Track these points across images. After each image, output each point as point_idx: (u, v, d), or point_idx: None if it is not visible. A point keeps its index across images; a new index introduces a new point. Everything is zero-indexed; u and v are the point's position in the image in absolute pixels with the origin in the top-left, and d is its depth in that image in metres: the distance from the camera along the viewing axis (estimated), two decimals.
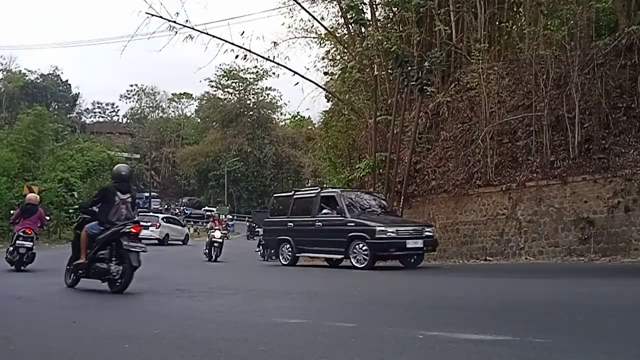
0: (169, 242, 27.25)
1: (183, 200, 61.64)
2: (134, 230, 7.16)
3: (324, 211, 12.63)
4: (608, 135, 12.55)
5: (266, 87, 61.97)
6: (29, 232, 10.19)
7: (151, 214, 32.06)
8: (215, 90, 64.01)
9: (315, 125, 39.59)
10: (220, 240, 17.04)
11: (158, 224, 27.26)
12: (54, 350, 3.93)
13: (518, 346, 3.68)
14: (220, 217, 23.57)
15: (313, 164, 45.18)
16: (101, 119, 75.12)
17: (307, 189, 16.23)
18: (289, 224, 13.44)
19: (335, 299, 7.03)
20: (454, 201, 14.72)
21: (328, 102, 22.91)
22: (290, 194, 14.48)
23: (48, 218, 13.99)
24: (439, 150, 15.82)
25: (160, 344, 4.03)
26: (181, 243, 28.60)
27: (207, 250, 17.12)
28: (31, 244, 10.27)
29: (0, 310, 6.12)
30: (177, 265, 15.36)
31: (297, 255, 13.26)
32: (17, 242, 10.39)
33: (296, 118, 63.56)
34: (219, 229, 17.28)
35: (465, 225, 14.33)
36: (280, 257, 13.66)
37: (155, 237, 26.33)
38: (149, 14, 17.48)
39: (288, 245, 13.34)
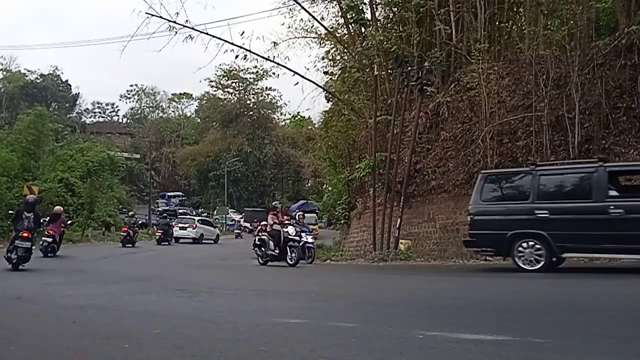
0: (203, 241, 29.88)
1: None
2: (24, 235, 10.92)
3: (611, 193, 9.17)
4: (608, 135, 12.56)
5: (266, 87, 61.97)
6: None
7: (188, 216, 34.93)
8: (215, 90, 64.01)
9: (315, 125, 39.73)
10: (297, 237, 13.59)
11: (194, 225, 30.24)
12: (54, 350, 3.93)
13: (518, 346, 3.68)
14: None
15: (313, 164, 45.22)
16: (101, 119, 75.15)
17: (566, 162, 11.57)
18: (540, 212, 9.53)
19: (335, 299, 7.03)
20: (454, 201, 14.71)
21: (328, 102, 22.95)
22: (528, 169, 10.32)
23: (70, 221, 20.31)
24: (439, 150, 15.82)
25: (160, 344, 4.03)
26: (212, 242, 30.99)
27: (271, 251, 13.78)
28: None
29: (0, 310, 6.12)
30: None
31: (562, 255, 9.57)
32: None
33: (296, 118, 63.58)
34: (291, 224, 13.91)
35: (466, 226, 14.30)
36: (517, 259, 9.60)
37: (192, 236, 29.41)
38: (149, 14, 17.45)
39: (536, 243, 9.51)
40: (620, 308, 5.34)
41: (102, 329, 4.73)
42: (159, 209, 51.61)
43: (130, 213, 27.97)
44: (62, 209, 18.76)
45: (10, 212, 15.19)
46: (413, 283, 9.38)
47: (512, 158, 13.93)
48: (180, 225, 29.97)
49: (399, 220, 15.05)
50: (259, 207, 56.11)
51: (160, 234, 27.02)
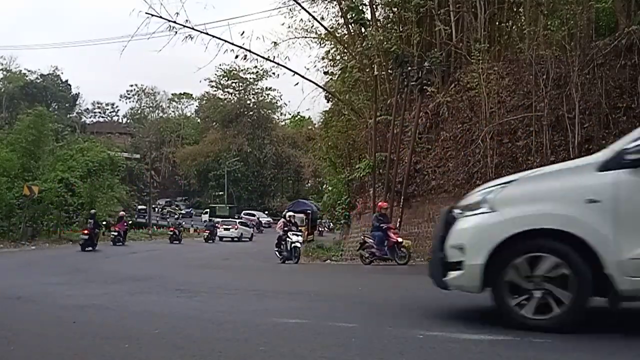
0: (242, 239, 35.87)
1: (158, 202, 62.34)
2: (84, 232, 20.26)
3: None
4: (608, 135, 12.55)
5: (266, 87, 62.07)
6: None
7: (230, 219, 41.24)
8: (215, 90, 64.12)
9: (315, 125, 39.71)
10: None
11: (236, 227, 36.60)
12: (54, 350, 3.93)
13: (518, 346, 3.68)
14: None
15: (313, 164, 45.21)
16: (101, 119, 75.18)
17: None
18: None
19: (335, 299, 7.03)
20: (454, 201, 14.52)
21: (328, 102, 22.97)
22: None
23: (129, 221, 31.17)
24: (439, 150, 15.82)
25: (160, 344, 4.03)
26: (248, 240, 36.74)
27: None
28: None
29: (0, 310, 6.12)
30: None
31: None
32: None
33: (296, 118, 63.57)
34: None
35: None
36: None
37: (233, 236, 35.57)
38: (149, 14, 17.51)
39: None
40: (620, 308, 5.33)
41: (102, 329, 4.73)
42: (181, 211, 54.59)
43: (176, 216, 40.39)
44: (124, 213, 28.11)
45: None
46: (413, 283, 9.37)
47: (512, 158, 13.93)
48: (224, 226, 36.24)
49: (398, 220, 15.05)
50: (259, 206, 56.31)
51: (207, 234, 33.54)
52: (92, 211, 23.28)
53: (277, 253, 15.64)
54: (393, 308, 5.96)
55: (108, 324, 4.99)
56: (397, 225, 15.00)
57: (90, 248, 20.09)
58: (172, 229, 31.02)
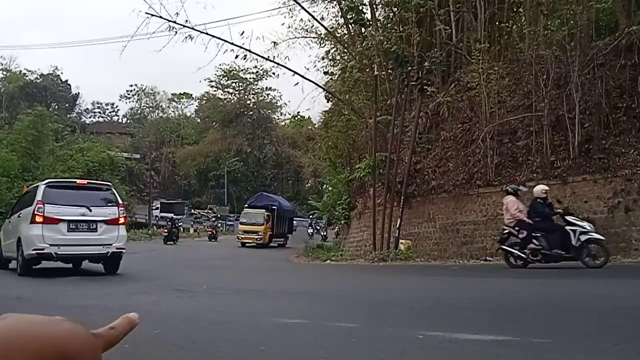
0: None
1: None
2: (165, 230, 27.67)
3: None
4: (608, 135, 12.55)
5: (266, 87, 62.00)
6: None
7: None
8: (215, 90, 64.05)
9: (315, 125, 39.70)
10: None
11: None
12: None
13: (518, 346, 3.68)
14: None
15: (313, 164, 45.18)
16: (101, 119, 75.10)
17: None
18: None
19: (335, 299, 7.03)
20: (454, 201, 14.72)
21: (328, 102, 22.95)
22: None
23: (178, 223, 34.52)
24: (439, 150, 15.82)
25: (160, 344, 4.03)
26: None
27: None
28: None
29: (0, 310, 6.11)
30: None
31: None
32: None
33: (296, 118, 63.57)
34: None
35: (466, 226, 14.32)
36: None
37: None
38: (149, 14, 17.46)
39: None
40: (620, 308, 5.34)
41: None
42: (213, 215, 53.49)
43: (213, 217, 45.31)
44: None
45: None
46: (413, 283, 9.37)
47: (513, 158, 13.94)
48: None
49: (399, 220, 15.05)
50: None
51: (210, 233, 35.37)
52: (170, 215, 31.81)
53: (516, 252, 10.04)
54: (393, 308, 5.95)
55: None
56: (397, 226, 14.99)
57: (171, 242, 26.36)
58: (210, 229, 35.55)
